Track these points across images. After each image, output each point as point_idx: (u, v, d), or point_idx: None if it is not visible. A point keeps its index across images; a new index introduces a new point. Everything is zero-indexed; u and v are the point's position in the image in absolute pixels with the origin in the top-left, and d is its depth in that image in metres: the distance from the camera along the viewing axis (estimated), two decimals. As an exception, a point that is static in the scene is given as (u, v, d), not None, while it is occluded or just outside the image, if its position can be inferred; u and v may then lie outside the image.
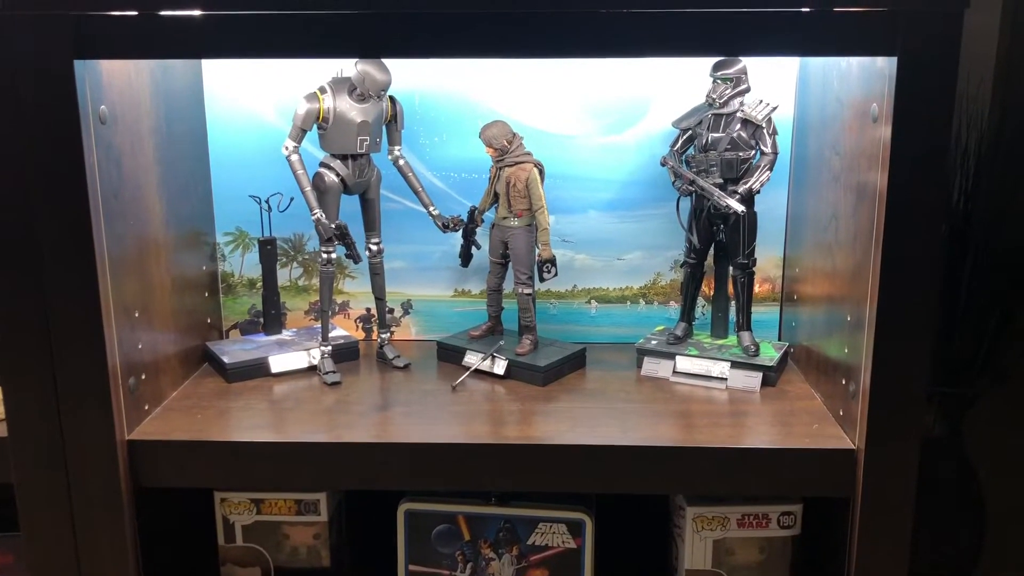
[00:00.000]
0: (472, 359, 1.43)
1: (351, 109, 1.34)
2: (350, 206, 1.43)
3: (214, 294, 1.56)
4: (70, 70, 1.06)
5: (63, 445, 1.16)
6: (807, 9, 1.06)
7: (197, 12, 1.07)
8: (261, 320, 1.55)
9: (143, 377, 1.26)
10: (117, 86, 1.18)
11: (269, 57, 1.11)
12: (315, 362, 1.44)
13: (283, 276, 1.57)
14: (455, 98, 1.49)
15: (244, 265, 1.57)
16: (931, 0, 1.02)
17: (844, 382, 1.21)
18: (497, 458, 1.19)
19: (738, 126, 1.35)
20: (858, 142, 1.18)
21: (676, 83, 1.46)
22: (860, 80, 1.17)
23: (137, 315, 1.24)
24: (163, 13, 1.07)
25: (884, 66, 1.07)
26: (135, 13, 1.07)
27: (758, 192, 1.36)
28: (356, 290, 1.58)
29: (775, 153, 1.35)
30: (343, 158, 1.37)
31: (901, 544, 1.16)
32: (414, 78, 1.47)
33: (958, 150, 1.61)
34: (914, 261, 1.09)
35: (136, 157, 1.24)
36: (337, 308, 1.59)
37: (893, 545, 1.16)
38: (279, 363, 1.43)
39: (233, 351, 1.45)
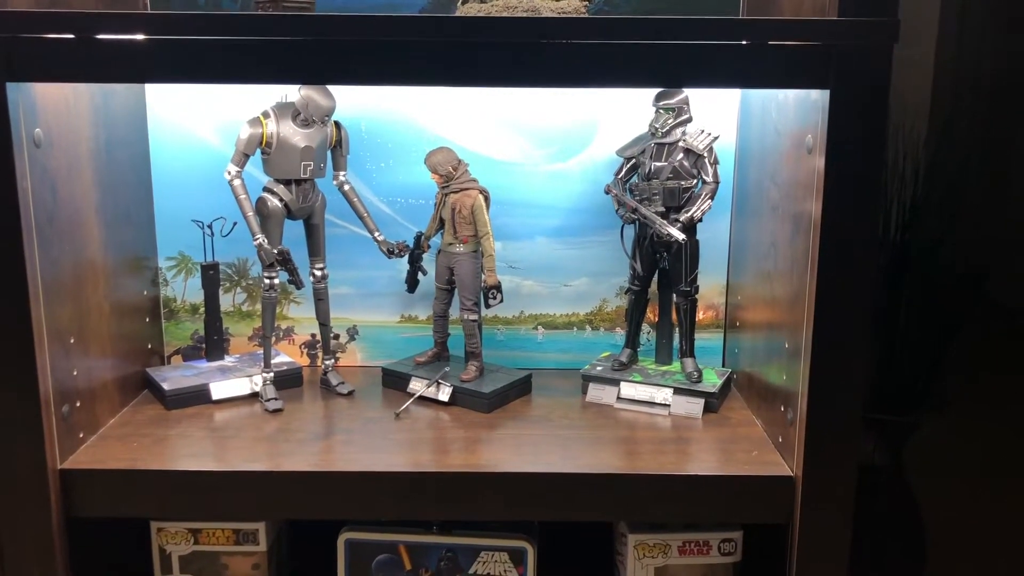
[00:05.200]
0: (417, 386, 1.43)
1: (295, 134, 1.34)
2: (295, 231, 1.42)
3: (156, 319, 1.53)
4: (2, 92, 1.05)
5: (-9, 475, 1.13)
6: (744, 42, 1.08)
7: (137, 36, 1.06)
8: (203, 346, 1.53)
9: (78, 404, 1.23)
10: (53, 109, 1.16)
11: (208, 82, 1.11)
12: (257, 389, 1.42)
13: (226, 301, 1.55)
14: (401, 124, 1.50)
15: (187, 290, 1.54)
16: (862, 36, 1.05)
17: (783, 409, 1.23)
18: (439, 486, 1.18)
19: (680, 155, 1.37)
20: (794, 172, 1.20)
21: (620, 112, 1.48)
22: (796, 112, 1.19)
23: (72, 341, 1.22)
24: (100, 37, 1.06)
25: (818, 99, 1.10)
26: (71, 37, 1.06)
27: (699, 220, 1.38)
28: (300, 316, 1.57)
29: (716, 182, 1.36)
30: (287, 183, 1.37)
31: (838, 570, 1.17)
32: (360, 103, 1.48)
33: (895, 180, 1.65)
34: (848, 289, 1.11)
35: (73, 181, 1.22)
36: (281, 334, 1.58)
37: (831, 571, 1.17)
38: (220, 390, 1.41)
39: (173, 377, 1.43)
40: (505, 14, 1.14)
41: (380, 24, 1.07)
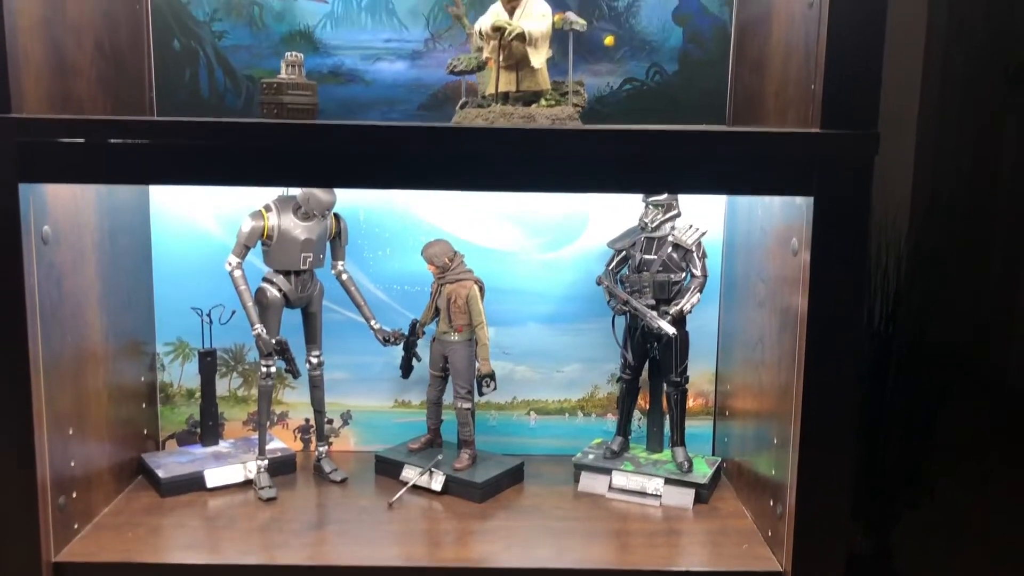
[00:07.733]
0: (410, 474, 1.44)
1: (295, 227, 1.37)
2: (292, 317, 1.44)
3: (152, 404, 1.54)
4: (14, 193, 1.08)
5: (-16, 569, 1.14)
6: (729, 151, 1.12)
7: (144, 141, 1.10)
8: (198, 430, 1.54)
9: (74, 495, 1.24)
10: (61, 206, 1.20)
11: (212, 184, 1.14)
12: (251, 476, 1.43)
13: (222, 386, 1.56)
14: (399, 214, 1.54)
15: (183, 375, 1.56)
16: (844, 147, 1.09)
17: (772, 503, 1.24)
18: (431, 581, 1.19)
19: (669, 249, 1.41)
20: (781, 269, 1.23)
21: (611, 205, 1.52)
22: (782, 213, 1.24)
23: (71, 432, 1.23)
24: (110, 141, 1.10)
25: (803, 202, 1.14)
26: (82, 141, 1.09)
27: (689, 313, 1.41)
28: (295, 400, 1.58)
29: (704, 276, 1.40)
30: (286, 274, 1.40)
31: (829, 666, 1.18)
32: (359, 194, 1.52)
33: (878, 274, 1.69)
34: (835, 384, 1.14)
35: (77, 274, 1.25)
36: (276, 419, 1.59)
37: (821, 667, 1.18)
38: (215, 477, 1.42)
39: (168, 464, 1.44)
40: (501, 120, 1.18)
41: (379, 133, 1.11)
